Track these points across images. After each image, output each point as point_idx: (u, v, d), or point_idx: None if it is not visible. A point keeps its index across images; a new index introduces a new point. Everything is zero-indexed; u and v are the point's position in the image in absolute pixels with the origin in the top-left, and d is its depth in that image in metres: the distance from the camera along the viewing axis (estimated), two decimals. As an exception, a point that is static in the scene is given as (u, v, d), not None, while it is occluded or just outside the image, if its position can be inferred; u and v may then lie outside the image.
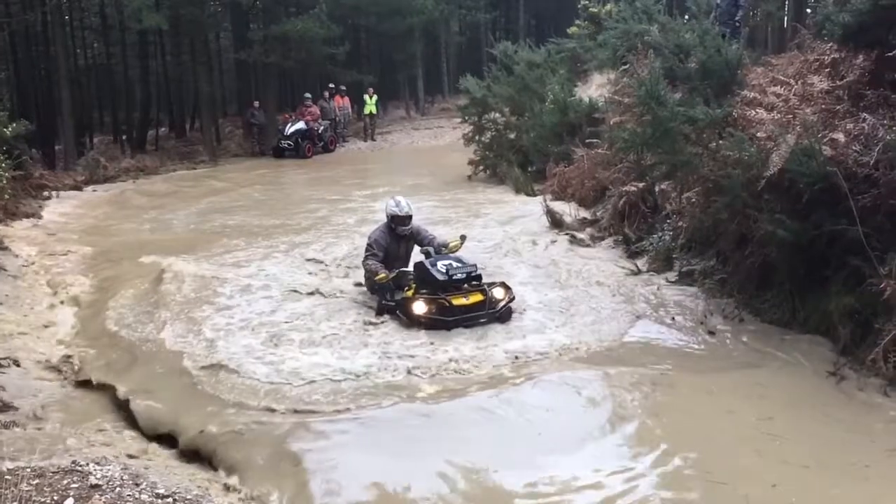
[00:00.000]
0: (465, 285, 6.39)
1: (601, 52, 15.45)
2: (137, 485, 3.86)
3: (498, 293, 6.35)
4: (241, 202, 13.82)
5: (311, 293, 7.34)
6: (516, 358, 5.61)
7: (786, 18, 18.30)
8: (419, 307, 6.21)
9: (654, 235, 8.33)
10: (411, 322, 6.27)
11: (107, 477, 3.90)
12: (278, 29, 20.94)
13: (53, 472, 3.94)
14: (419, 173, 16.27)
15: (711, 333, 6.01)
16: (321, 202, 13.21)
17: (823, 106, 6.24)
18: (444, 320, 6.14)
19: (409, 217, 6.94)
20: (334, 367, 5.53)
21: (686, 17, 13.34)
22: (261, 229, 10.97)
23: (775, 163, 5.43)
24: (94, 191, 15.44)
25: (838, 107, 6.16)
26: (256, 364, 5.63)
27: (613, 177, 9.78)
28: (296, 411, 4.92)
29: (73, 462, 4.09)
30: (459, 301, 6.23)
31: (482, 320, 6.17)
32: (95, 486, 3.80)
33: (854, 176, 5.31)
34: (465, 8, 31.51)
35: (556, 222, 9.67)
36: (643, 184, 8.80)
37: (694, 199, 7.05)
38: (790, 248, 5.67)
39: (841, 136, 5.49)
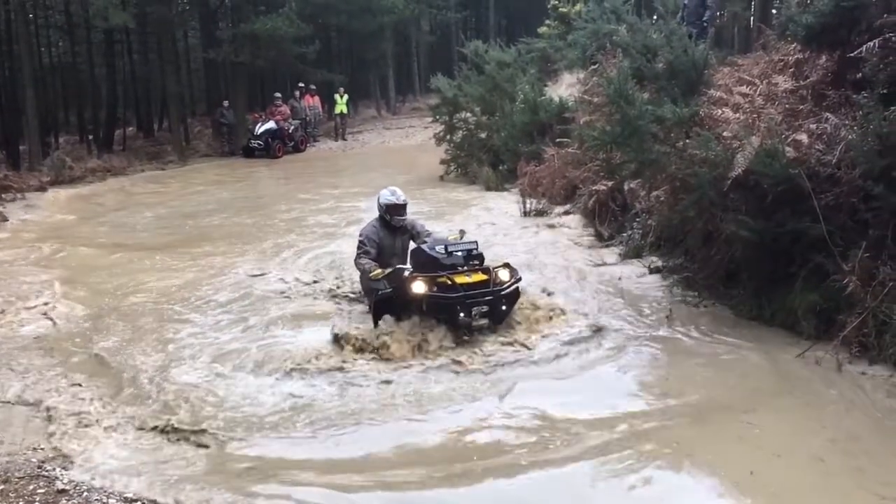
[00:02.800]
0: (465, 266, 6.00)
1: (571, 52, 15.62)
2: (105, 488, 3.81)
3: (503, 275, 5.98)
4: (209, 204, 13.68)
5: (282, 305, 7.06)
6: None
7: (752, 19, 18.55)
8: (419, 286, 5.79)
9: (624, 234, 8.43)
10: (411, 303, 5.88)
11: (73, 481, 3.85)
12: (247, 28, 20.78)
13: (19, 478, 3.88)
14: (391, 173, 16.23)
15: (675, 327, 6.07)
16: (293, 202, 13.14)
17: (787, 106, 6.35)
18: (448, 297, 5.73)
19: (405, 206, 6.52)
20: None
21: (654, 17, 13.51)
22: (229, 232, 10.88)
23: (740, 164, 5.51)
24: (56, 192, 15.16)
25: (802, 106, 6.28)
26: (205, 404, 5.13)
27: (584, 175, 9.88)
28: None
29: (40, 467, 4.04)
30: (462, 279, 5.82)
31: (488, 298, 5.79)
32: (62, 491, 3.76)
33: (817, 175, 5.42)
34: (435, 7, 31.54)
35: (538, 212, 10.18)
36: (612, 182, 8.89)
37: (662, 198, 7.12)
38: (755, 247, 5.77)
39: (804, 138, 5.59)
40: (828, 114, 5.83)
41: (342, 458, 4.33)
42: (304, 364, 5.58)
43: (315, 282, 7.70)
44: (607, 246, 8.47)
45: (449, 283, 5.79)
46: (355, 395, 5.10)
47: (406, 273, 6.05)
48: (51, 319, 7.01)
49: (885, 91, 5.49)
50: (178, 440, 4.57)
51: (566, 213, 10.06)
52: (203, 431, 4.64)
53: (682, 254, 7.09)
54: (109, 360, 5.97)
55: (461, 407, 4.91)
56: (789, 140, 5.60)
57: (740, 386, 5.03)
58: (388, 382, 5.26)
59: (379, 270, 6.10)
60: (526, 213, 10.34)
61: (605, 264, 7.85)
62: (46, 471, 3.97)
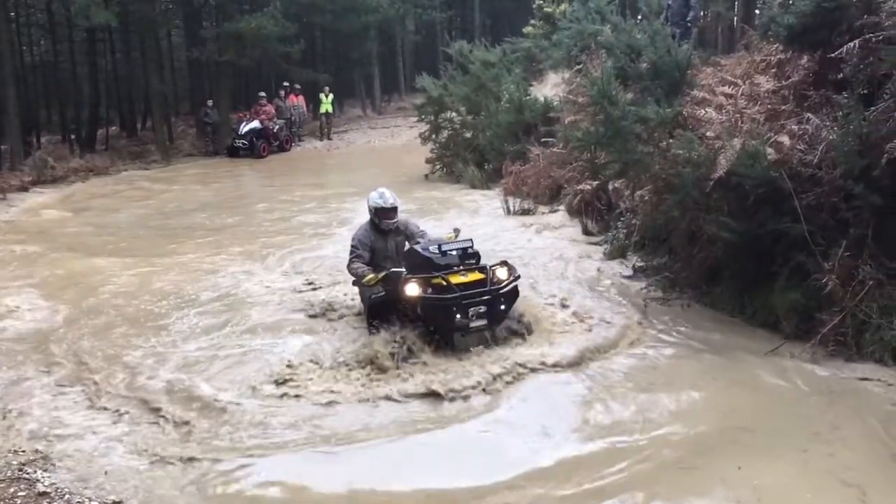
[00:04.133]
0: (461, 265, 5.75)
1: (556, 52, 15.65)
2: (86, 492, 3.79)
3: (501, 273, 5.76)
4: (193, 205, 13.57)
5: (264, 313, 6.84)
6: None
7: (735, 19, 18.67)
8: (412, 289, 5.57)
9: (609, 233, 8.47)
10: (406, 307, 5.66)
11: (55, 484, 3.82)
12: (231, 27, 20.67)
13: (-1, 481, 3.85)
14: (377, 173, 16.22)
15: (658, 327, 6.09)
16: (277, 203, 13.07)
17: (769, 106, 6.40)
18: (443, 298, 5.50)
19: (395, 209, 6.24)
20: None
21: (638, 17, 13.57)
22: (212, 234, 10.78)
23: (722, 165, 5.54)
24: (38, 192, 15.05)
25: (783, 107, 6.32)
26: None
27: (568, 175, 9.94)
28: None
29: (21, 470, 4.00)
30: (457, 279, 5.60)
31: (485, 297, 5.55)
32: (43, 494, 3.73)
33: (799, 175, 5.46)
34: (420, 7, 31.53)
35: (523, 211, 10.26)
36: (597, 182, 8.93)
37: (646, 197, 7.15)
38: (736, 246, 5.82)
39: (786, 139, 5.63)
40: (809, 114, 5.88)
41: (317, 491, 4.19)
42: (281, 380, 5.35)
43: (299, 291, 7.43)
44: (591, 244, 8.50)
45: (444, 283, 5.57)
46: (336, 419, 4.85)
47: (400, 275, 5.83)
48: (29, 320, 6.96)
49: (864, 91, 5.55)
50: (156, 447, 4.53)
51: (550, 211, 10.11)
52: (177, 440, 4.61)
53: (666, 253, 7.13)
54: (88, 363, 5.92)
55: (440, 442, 4.61)
56: (771, 141, 5.64)
57: (726, 385, 5.07)
58: (367, 404, 4.99)
59: (372, 276, 5.88)
60: (509, 212, 10.38)
61: (589, 258, 7.88)
62: (27, 473, 3.94)
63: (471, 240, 6.06)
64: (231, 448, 4.52)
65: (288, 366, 5.57)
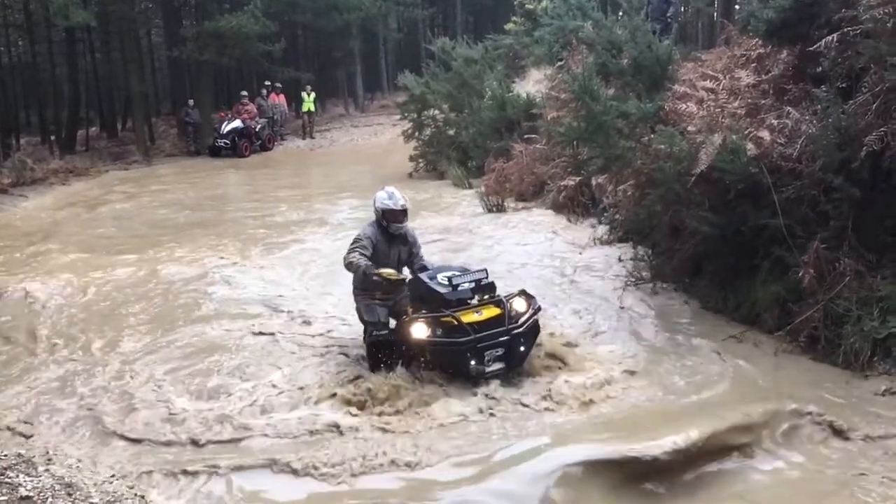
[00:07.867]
0: (475, 299, 5.14)
1: (537, 48, 15.66)
2: (70, 495, 3.75)
3: (519, 305, 5.16)
4: (174, 206, 13.44)
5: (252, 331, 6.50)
6: None
7: (715, 14, 18.77)
8: (419, 330, 4.99)
9: (593, 228, 8.48)
10: (411, 352, 5.11)
11: (38, 488, 3.78)
12: (212, 25, 20.52)
13: (-20, 485, 3.80)
14: (360, 171, 16.20)
15: (642, 325, 6.11)
16: (258, 202, 13.02)
17: (750, 100, 6.44)
18: (456, 343, 4.93)
19: (405, 211, 5.59)
20: None
21: (619, 13, 13.60)
22: (194, 237, 10.60)
23: (703, 161, 5.58)
24: (17, 194, 14.91)
25: (764, 101, 6.37)
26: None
27: (551, 171, 9.94)
28: None
29: (2, 474, 3.96)
30: (470, 318, 4.98)
31: (503, 338, 4.98)
32: (26, 498, 3.69)
33: (779, 169, 5.50)
34: (402, 4, 31.41)
35: (499, 208, 10.25)
36: (580, 178, 8.95)
37: (629, 192, 7.18)
38: (718, 240, 5.86)
39: (766, 134, 5.67)
40: (789, 108, 5.91)
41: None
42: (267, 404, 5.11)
43: (289, 311, 7.01)
44: (574, 240, 8.49)
45: (454, 323, 4.97)
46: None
47: (405, 294, 5.33)
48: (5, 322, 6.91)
49: (843, 85, 5.59)
50: (137, 449, 4.54)
51: (526, 208, 10.10)
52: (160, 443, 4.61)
53: (650, 247, 7.16)
54: (67, 366, 5.91)
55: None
56: (751, 136, 5.68)
57: (704, 379, 5.10)
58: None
59: (386, 270, 5.24)
60: (489, 210, 10.31)
61: (573, 255, 7.88)
62: (9, 478, 3.89)
63: (485, 270, 5.44)
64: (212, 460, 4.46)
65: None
